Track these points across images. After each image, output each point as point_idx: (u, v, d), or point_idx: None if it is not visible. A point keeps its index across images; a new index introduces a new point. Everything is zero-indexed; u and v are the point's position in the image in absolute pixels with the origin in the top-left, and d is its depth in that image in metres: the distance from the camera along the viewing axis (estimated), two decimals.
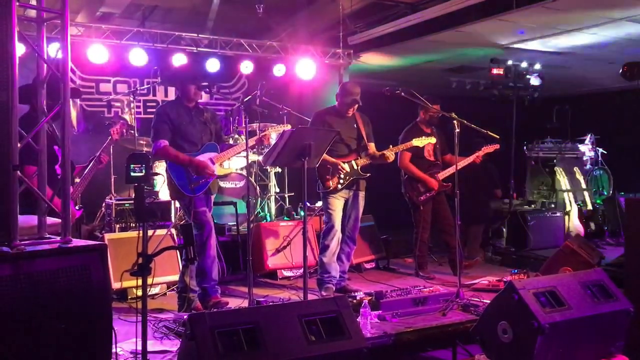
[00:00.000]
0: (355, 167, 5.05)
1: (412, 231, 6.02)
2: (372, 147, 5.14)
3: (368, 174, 5.12)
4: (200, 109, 4.67)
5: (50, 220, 3.06)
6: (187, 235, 3.21)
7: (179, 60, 7.27)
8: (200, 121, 4.60)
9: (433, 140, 5.61)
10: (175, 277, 5.01)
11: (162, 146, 4.40)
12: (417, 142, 5.42)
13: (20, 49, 2.87)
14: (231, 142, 6.19)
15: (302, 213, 4.58)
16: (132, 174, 3.02)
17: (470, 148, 5.99)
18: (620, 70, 7.18)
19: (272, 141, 5.36)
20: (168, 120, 4.47)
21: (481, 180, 7.19)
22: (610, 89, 10.11)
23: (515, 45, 7.63)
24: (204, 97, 8.18)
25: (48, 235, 2.98)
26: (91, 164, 4.56)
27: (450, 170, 5.74)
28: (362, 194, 5.16)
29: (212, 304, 4.44)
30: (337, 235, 5.04)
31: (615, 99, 10.06)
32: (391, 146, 5.21)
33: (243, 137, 6.04)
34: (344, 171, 4.98)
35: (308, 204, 4.26)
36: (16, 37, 2.66)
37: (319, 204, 5.77)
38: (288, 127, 5.16)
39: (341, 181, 4.99)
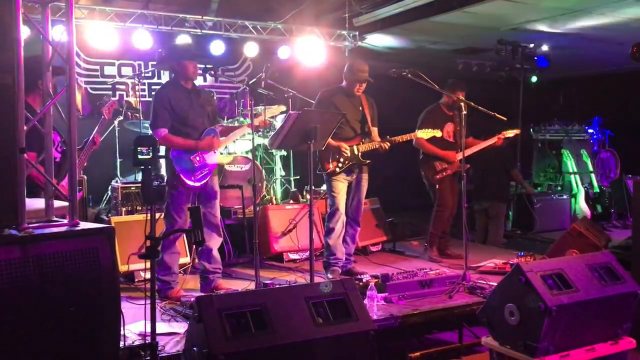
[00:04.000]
0: (356, 152, 5.01)
1: (418, 214, 5.99)
2: (375, 132, 5.10)
3: (368, 161, 5.07)
4: (197, 90, 4.57)
5: (55, 203, 3.07)
6: (195, 218, 3.20)
7: (183, 41, 7.21)
8: (199, 104, 4.51)
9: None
10: (183, 260, 5.03)
11: (163, 135, 4.33)
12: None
13: (24, 32, 2.85)
14: (236, 124, 6.18)
15: (308, 196, 4.57)
16: (140, 156, 3.01)
17: (490, 133, 5.91)
18: (629, 51, 7.10)
19: (277, 124, 5.35)
20: (169, 106, 4.35)
21: (502, 160, 7.12)
22: (618, 71, 10.00)
23: (523, 27, 7.54)
24: (209, 80, 8.16)
25: (56, 218, 2.99)
26: (86, 146, 4.51)
27: (467, 151, 5.47)
28: (365, 177, 5.14)
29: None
30: (342, 218, 5.03)
31: (623, 80, 9.96)
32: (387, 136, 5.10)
33: (248, 119, 6.03)
34: (345, 155, 4.95)
35: (313, 187, 4.24)
36: (21, 19, 2.64)
37: (324, 187, 5.75)
38: (283, 108, 5.12)
39: (340, 165, 4.96)
